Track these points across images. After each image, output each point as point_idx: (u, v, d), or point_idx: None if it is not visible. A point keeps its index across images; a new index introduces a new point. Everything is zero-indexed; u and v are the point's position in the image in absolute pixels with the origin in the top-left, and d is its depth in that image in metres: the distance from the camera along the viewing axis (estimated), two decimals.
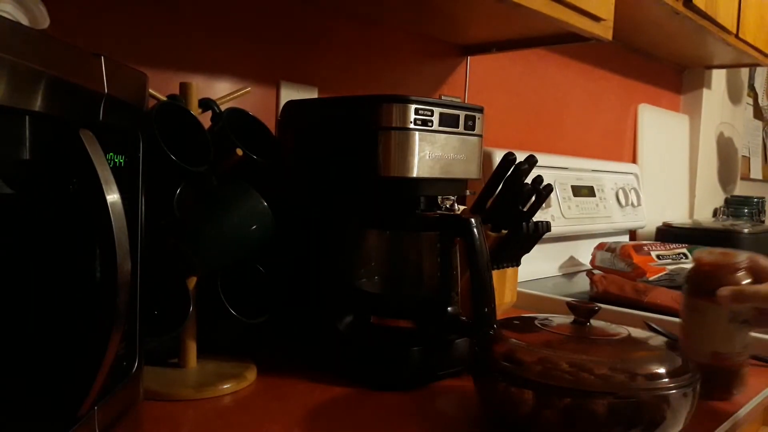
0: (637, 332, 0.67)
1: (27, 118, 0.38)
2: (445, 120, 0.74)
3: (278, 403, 0.68)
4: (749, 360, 0.74)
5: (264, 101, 1.00)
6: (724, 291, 0.68)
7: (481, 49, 1.33)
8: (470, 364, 0.65)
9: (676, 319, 0.81)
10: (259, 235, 0.73)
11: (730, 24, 1.52)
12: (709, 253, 0.74)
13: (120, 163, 0.48)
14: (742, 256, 0.72)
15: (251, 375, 0.74)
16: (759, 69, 2.58)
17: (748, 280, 0.70)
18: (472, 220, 0.71)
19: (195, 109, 0.73)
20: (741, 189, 2.49)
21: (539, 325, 0.69)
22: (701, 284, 0.72)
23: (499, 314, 0.76)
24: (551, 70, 1.60)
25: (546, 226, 0.99)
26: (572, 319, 0.68)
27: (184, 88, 0.73)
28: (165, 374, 0.71)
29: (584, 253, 1.50)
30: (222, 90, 0.92)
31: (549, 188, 0.97)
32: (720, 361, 0.69)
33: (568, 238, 1.48)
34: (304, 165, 0.81)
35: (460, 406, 0.70)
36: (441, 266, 0.77)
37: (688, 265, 0.99)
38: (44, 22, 0.58)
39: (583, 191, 1.50)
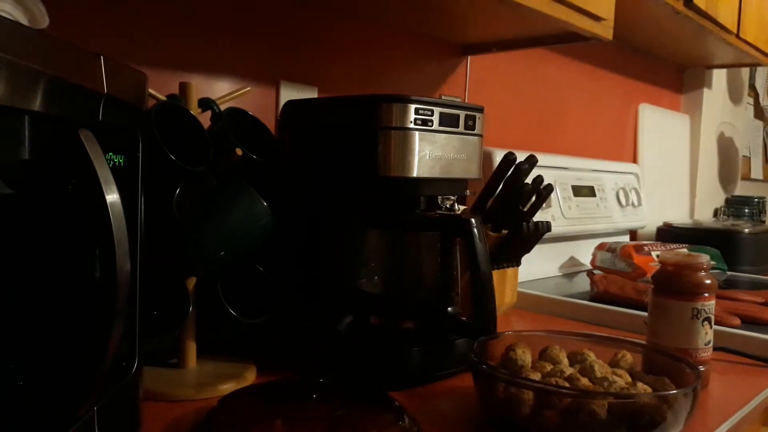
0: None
1: (26, 117, 0.38)
2: (445, 120, 0.74)
3: None
4: (712, 356, 0.77)
5: (264, 101, 1.00)
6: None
7: (481, 49, 1.33)
8: (470, 364, 0.65)
9: None
10: (258, 235, 0.73)
11: (730, 24, 1.52)
12: (674, 254, 0.79)
13: (119, 162, 0.48)
14: (705, 258, 0.76)
15: (251, 375, 0.74)
16: (760, 69, 2.57)
17: (709, 281, 0.75)
18: (472, 220, 0.71)
19: (194, 109, 0.73)
20: (741, 189, 2.49)
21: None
22: (666, 283, 0.76)
23: (500, 314, 0.76)
24: (552, 69, 1.60)
25: (546, 226, 0.99)
26: None
27: (184, 87, 0.73)
28: (164, 374, 0.71)
29: (584, 253, 1.50)
30: (221, 90, 0.92)
31: (549, 188, 0.97)
32: (683, 357, 0.70)
33: (568, 238, 1.47)
34: (304, 165, 0.81)
35: (460, 406, 0.70)
36: (441, 266, 0.77)
37: None
38: (43, 21, 0.58)
39: (583, 191, 1.50)
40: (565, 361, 0.69)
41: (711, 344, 0.76)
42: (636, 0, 1.28)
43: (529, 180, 0.94)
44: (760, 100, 2.68)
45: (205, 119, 0.74)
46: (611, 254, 1.37)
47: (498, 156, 1.04)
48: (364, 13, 1.12)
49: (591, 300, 1.14)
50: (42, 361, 0.43)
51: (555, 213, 1.38)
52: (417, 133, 0.71)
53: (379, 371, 0.74)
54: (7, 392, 0.41)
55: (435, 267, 0.78)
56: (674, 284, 0.75)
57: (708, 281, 0.75)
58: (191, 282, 0.72)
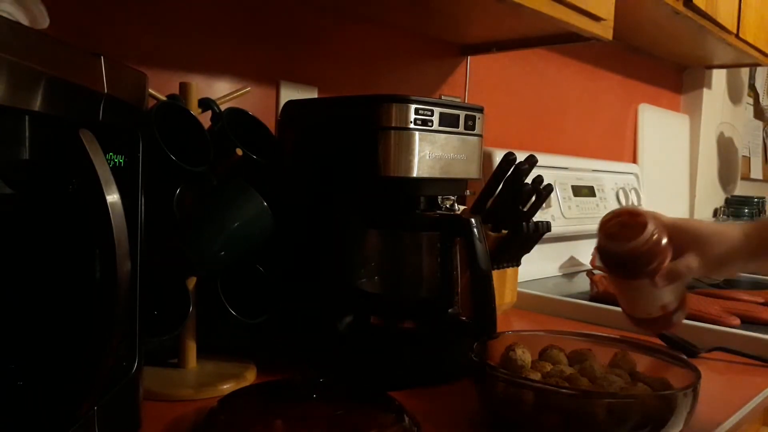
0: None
1: (27, 117, 0.38)
2: (445, 120, 0.74)
3: None
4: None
5: (264, 101, 1.00)
6: (661, 278, 0.65)
7: (481, 49, 1.33)
8: (470, 364, 0.65)
9: None
10: (258, 234, 0.73)
11: (730, 24, 1.52)
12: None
13: (120, 163, 0.48)
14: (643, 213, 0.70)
15: (251, 375, 0.74)
16: (759, 69, 2.58)
17: (653, 228, 0.69)
18: (472, 220, 0.71)
19: (195, 109, 0.73)
20: (741, 189, 2.49)
21: None
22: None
23: (500, 314, 0.76)
24: (551, 69, 1.60)
25: (546, 226, 0.99)
26: None
27: (184, 87, 0.73)
28: (165, 374, 0.71)
29: (584, 253, 1.50)
30: (222, 90, 0.92)
31: (549, 188, 0.97)
32: (669, 311, 0.66)
33: (568, 238, 1.47)
34: (304, 165, 0.81)
35: (460, 406, 0.70)
36: (441, 266, 0.77)
37: None
38: (44, 21, 0.58)
39: (583, 191, 1.50)
40: (565, 361, 0.69)
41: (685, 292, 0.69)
42: (636, 0, 1.28)
43: (528, 180, 0.94)
44: (760, 100, 2.68)
45: (205, 119, 0.74)
46: None
47: (498, 156, 1.04)
48: (364, 14, 1.12)
49: (591, 300, 1.14)
50: (42, 361, 0.43)
51: (555, 213, 1.38)
52: (417, 133, 0.71)
53: (379, 371, 0.74)
54: (7, 392, 0.41)
55: (435, 267, 0.78)
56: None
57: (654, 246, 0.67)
58: (191, 282, 0.72)
